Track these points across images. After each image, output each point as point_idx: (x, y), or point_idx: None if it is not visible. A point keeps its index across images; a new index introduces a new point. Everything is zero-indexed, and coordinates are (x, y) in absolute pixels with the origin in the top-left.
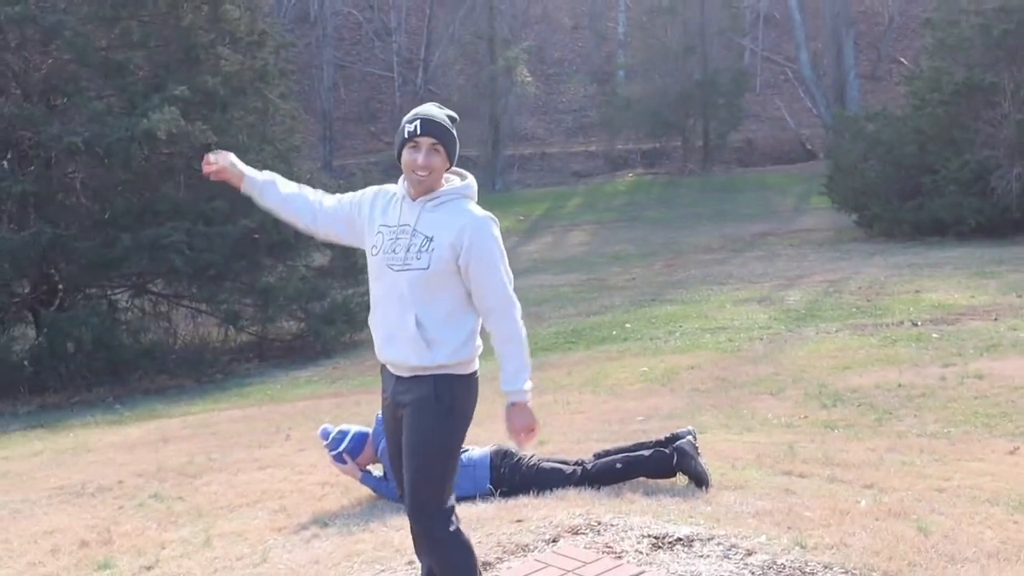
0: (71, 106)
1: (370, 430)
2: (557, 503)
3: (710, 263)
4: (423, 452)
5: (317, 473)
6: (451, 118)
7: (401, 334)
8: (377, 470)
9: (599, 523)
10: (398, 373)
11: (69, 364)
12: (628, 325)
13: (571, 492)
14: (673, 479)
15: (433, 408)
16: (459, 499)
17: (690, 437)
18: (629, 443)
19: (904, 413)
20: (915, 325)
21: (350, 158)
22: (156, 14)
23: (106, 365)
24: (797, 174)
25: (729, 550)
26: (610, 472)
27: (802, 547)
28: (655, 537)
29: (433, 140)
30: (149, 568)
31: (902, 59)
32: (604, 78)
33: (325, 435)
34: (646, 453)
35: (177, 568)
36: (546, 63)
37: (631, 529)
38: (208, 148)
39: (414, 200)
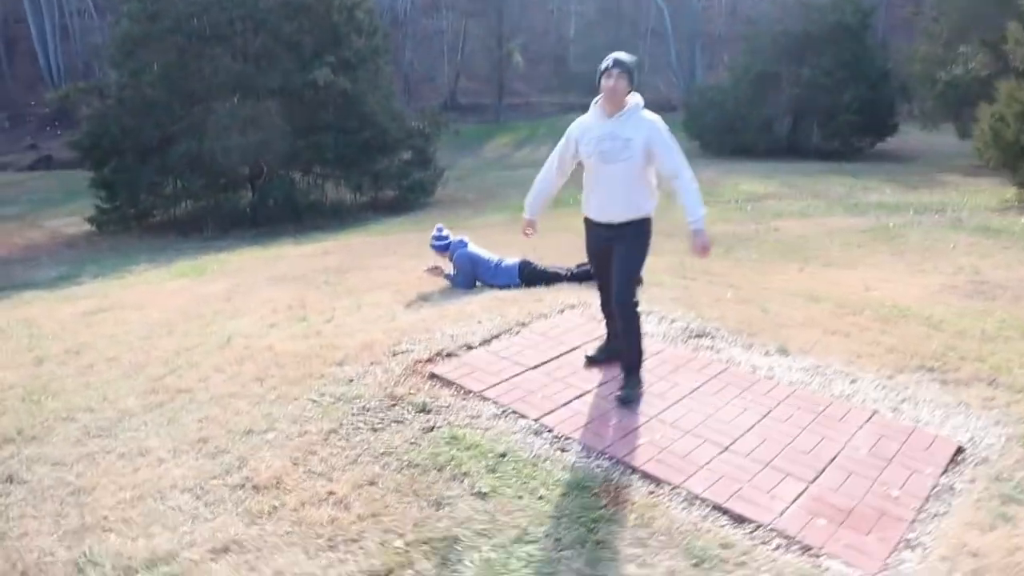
0: (269, 67)
1: (453, 241)
2: (559, 291)
3: None
4: (631, 266)
5: (415, 272)
6: (633, 61)
7: (617, 202)
8: (448, 269)
9: (586, 303)
10: (610, 222)
11: (271, 212)
12: (581, 196)
13: (565, 285)
14: None
15: (640, 238)
16: (499, 287)
17: None
18: None
19: (739, 248)
20: (737, 202)
21: (421, 101)
22: (318, 16)
23: (290, 213)
24: (665, 118)
25: (661, 319)
26: (587, 274)
27: (702, 318)
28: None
29: (620, 71)
30: (328, 321)
31: (725, 56)
32: (562, 61)
33: (438, 230)
34: None
35: (344, 320)
36: (529, 51)
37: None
38: (346, 92)
39: (609, 117)
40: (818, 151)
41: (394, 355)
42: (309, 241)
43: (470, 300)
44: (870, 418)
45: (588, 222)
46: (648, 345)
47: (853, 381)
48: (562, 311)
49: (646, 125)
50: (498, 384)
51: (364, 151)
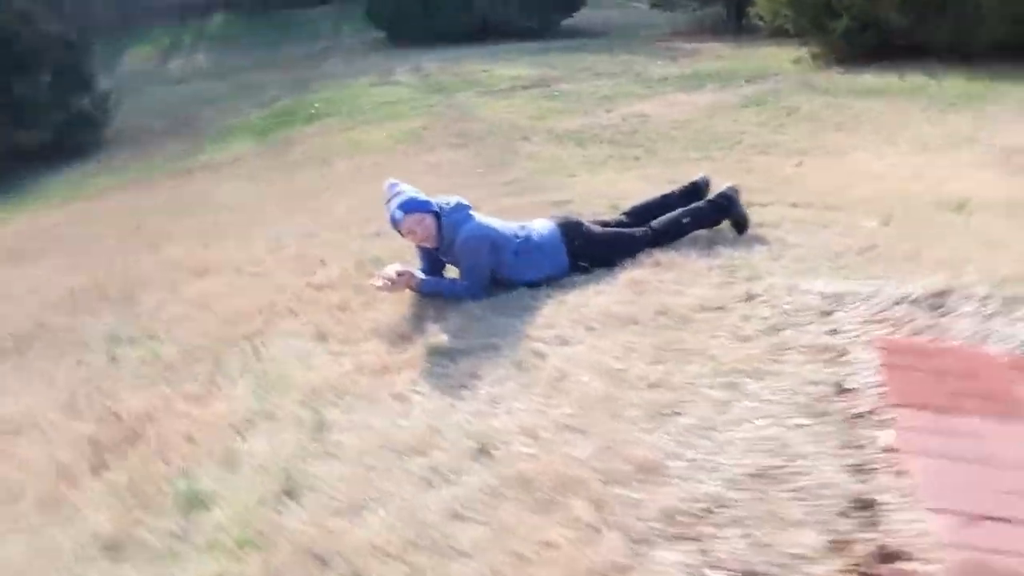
0: None
1: (443, 207)
2: (671, 273)
3: (312, 67)
4: None
5: (275, 273)
6: None
7: None
8: (415, 269)
9: (833, 294)
10: None
11: None
12: (317, 105)
13: (657, 256)
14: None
15: None
16: (538, 282)
17: (733, 184)
18: (656, 196)
19: (652, 145)
20: (524, 88)
21: None
22: None
23: None
24: (321, 12)
25: (984, 303)
26: (677, 228)
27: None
28: (907, 300)
29: None
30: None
31: None
32: None
33: (391, 188)
34: (703, 205)
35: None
36: None
37: (871, 297)
38: None
39: None
40: (518, 30)
41: None
42: None
43: (516, 340)
44: None
45: None
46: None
47: None
48: (839, 352)
49: None
50: None
51: None
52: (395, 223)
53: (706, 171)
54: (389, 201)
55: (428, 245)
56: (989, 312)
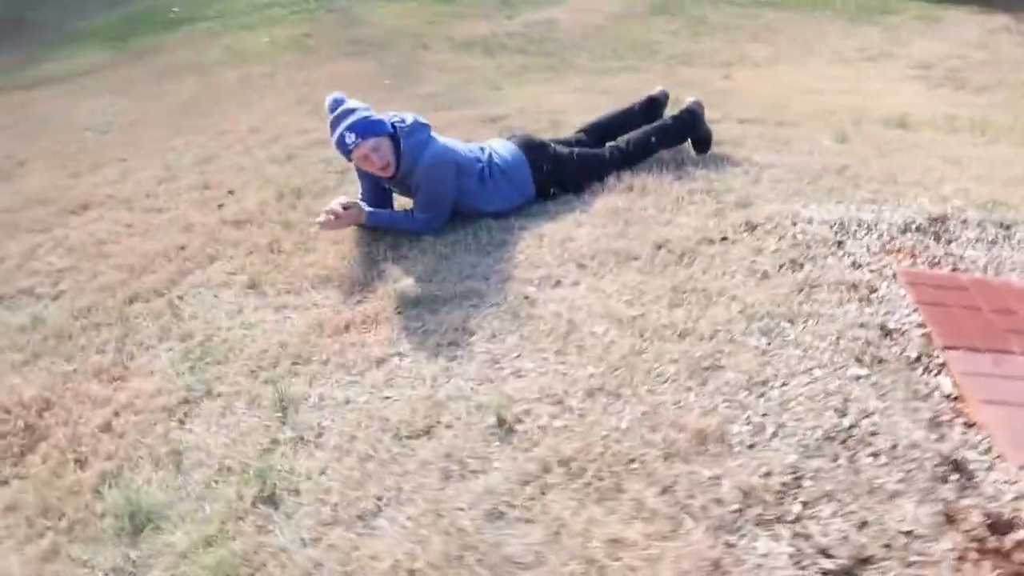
0: None
1: (400, 125)
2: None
3: None
4: None
5: (178, 208)
6: None
7: None
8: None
9: (839, 223)
10: None
11: None
12: (176, 9)
13: (674, 185)
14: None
15: None
16: (501, 213)
17: (697, 99)
18: (614, 112)
19: (567, 54)
20: None
21: None
22: None
23: None
24: None
25: (983, 229)
26: (645, 147)
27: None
28: (916, 228)
29: None
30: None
31: None
32: None
33: (336, 103)
34: (668, 122)
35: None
36: None
37: (876, 225)
38: None
39: None
40: None
41: None
42: None
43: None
44: None
45: None
46: None
47: None
48: (870, 288)
49: None
50: None
51: None
52: (345, 148)
53: (632, 82)
54: (336, 121)
55: (384, 174)
56: (991, 239)
